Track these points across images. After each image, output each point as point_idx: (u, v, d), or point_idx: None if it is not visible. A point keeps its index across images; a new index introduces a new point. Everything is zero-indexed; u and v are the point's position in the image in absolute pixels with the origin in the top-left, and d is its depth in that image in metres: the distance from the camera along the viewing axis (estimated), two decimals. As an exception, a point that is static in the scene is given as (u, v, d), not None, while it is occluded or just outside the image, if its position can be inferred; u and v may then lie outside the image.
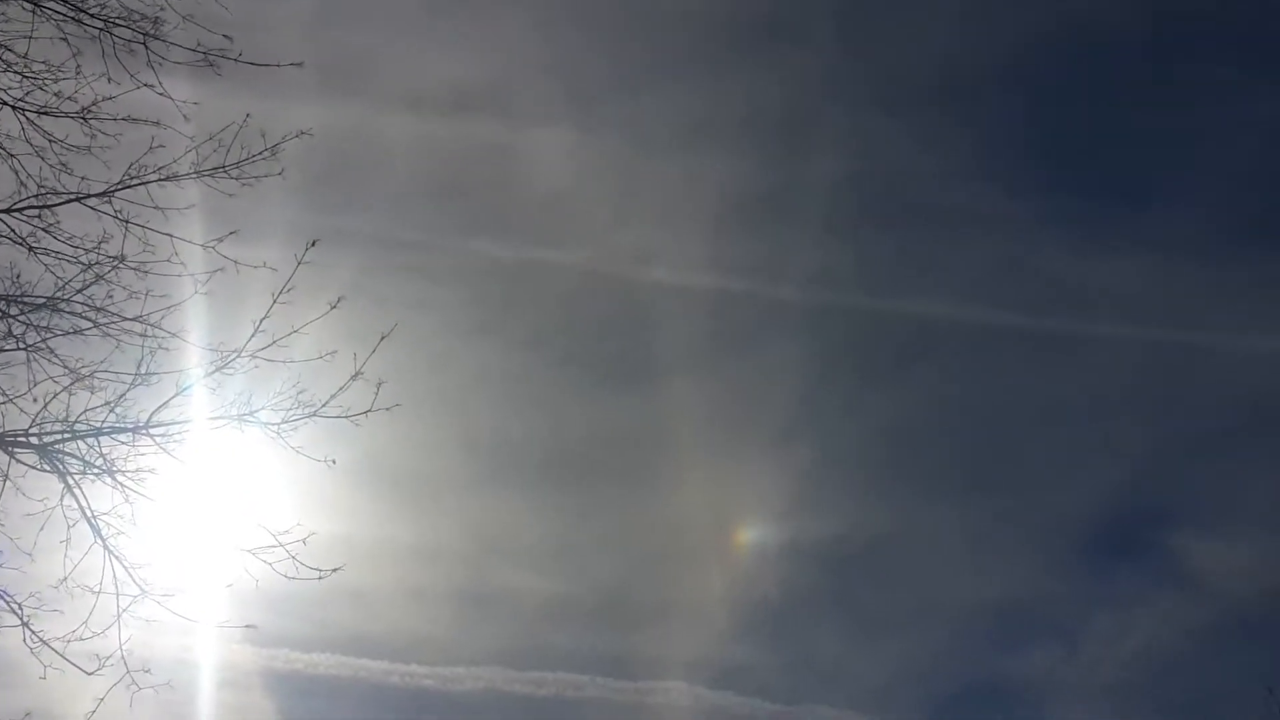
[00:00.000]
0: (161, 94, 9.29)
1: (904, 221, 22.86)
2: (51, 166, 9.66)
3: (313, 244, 9.21)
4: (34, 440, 9.41)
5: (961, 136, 22.38)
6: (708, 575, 22.74)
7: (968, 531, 23.60)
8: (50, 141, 9.57)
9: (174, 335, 9.80)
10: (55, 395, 9.48)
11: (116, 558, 9.82)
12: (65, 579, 9.76)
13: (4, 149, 9.66)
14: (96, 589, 9.84)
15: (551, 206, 20.11)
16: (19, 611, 9.51)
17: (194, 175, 9.71)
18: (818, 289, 22.57)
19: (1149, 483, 23.31)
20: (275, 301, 9.24)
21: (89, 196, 9.59)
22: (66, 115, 9.42)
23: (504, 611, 21.19)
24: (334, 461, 9.84)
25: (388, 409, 9.53)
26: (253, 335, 9.31)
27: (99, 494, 9.77)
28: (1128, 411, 23.60)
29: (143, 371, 9.60)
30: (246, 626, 10.37)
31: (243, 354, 9.39)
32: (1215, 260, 22.42)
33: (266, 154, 9.75)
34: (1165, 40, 21.89)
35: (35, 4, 9.18)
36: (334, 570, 9.92)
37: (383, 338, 9.46)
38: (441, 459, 19.16)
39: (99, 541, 9.77)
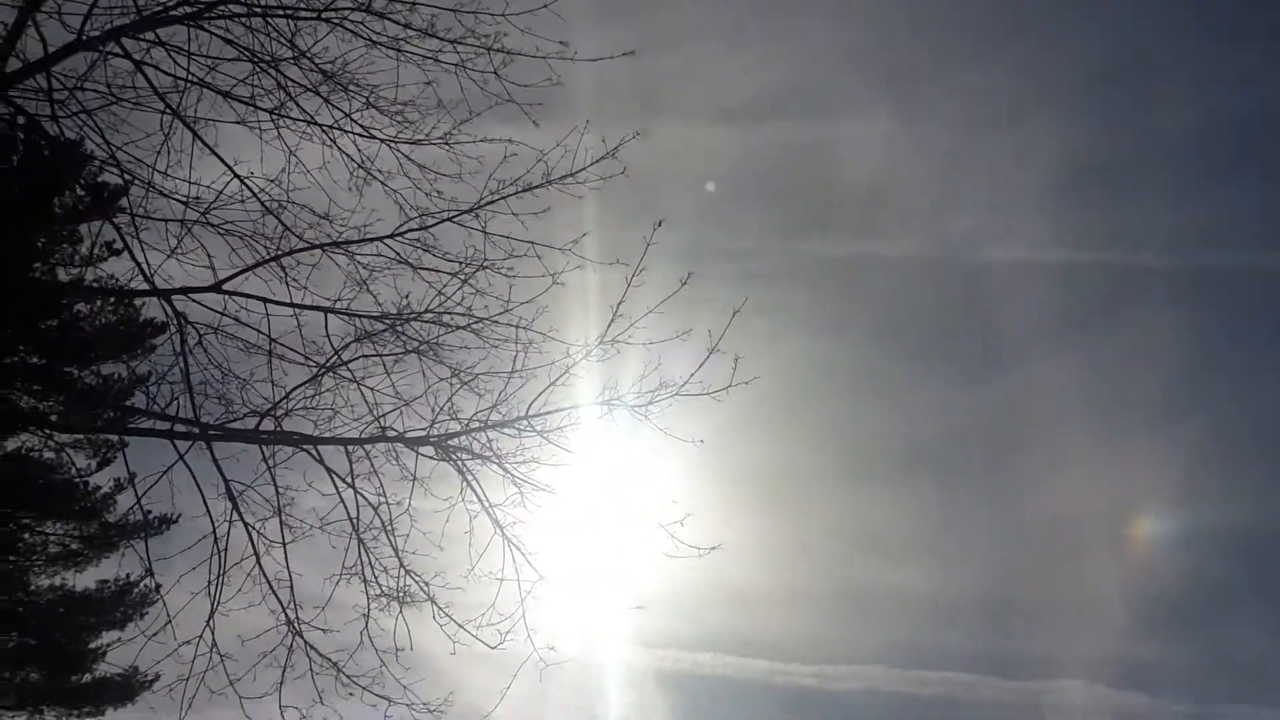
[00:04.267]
0: (509, 99, 10.02)
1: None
2: (426, 194, 10.63)
3: (659, 224, 9.63)
4: (433, 439, 10.33)
5: None
6: (1097, 567, 21.45)
7: None
8: (422, 170, 10.53)
9: (545, 335, 10.47)
10: (449, 398, 10.38)
11: (515, 546, 10.59)
12: (473, 568, 10.62)
13: (387, 185, 10.72)
14: (499, 576, 10.64)
15: (876, 198, 19.83)
16: (427, 590, 10.42)
17: (546, 185, 10.37)
18: (1185, 250, 20.68)
19: None
20: (629, 285, 9.70)
21: (459, 214, 10.45)
22: (431, 143, 10.34)
23: (881, 609, 20.90)
24: (702, 441, 10.19)
25: (746, 383, 9.78)
26: (612, 320, 9.82)
27: (493, 487, 10.61)
28: None
29: (519, 369, 10.34)
30: (637, 608, 10.89)
31: (604, 340, 9.91)
32: None
33: (609, 157, 10.28)
34: None
35: (397, 49, 10.15)
36: (713, 548, 10.26)
37: (735, 312, 9.73)
38: (805, 457, 19.31)
39: (498, 531, 10.58)
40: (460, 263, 10.46)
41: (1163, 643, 20.63)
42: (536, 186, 10.42)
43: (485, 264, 10.33)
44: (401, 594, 10.67)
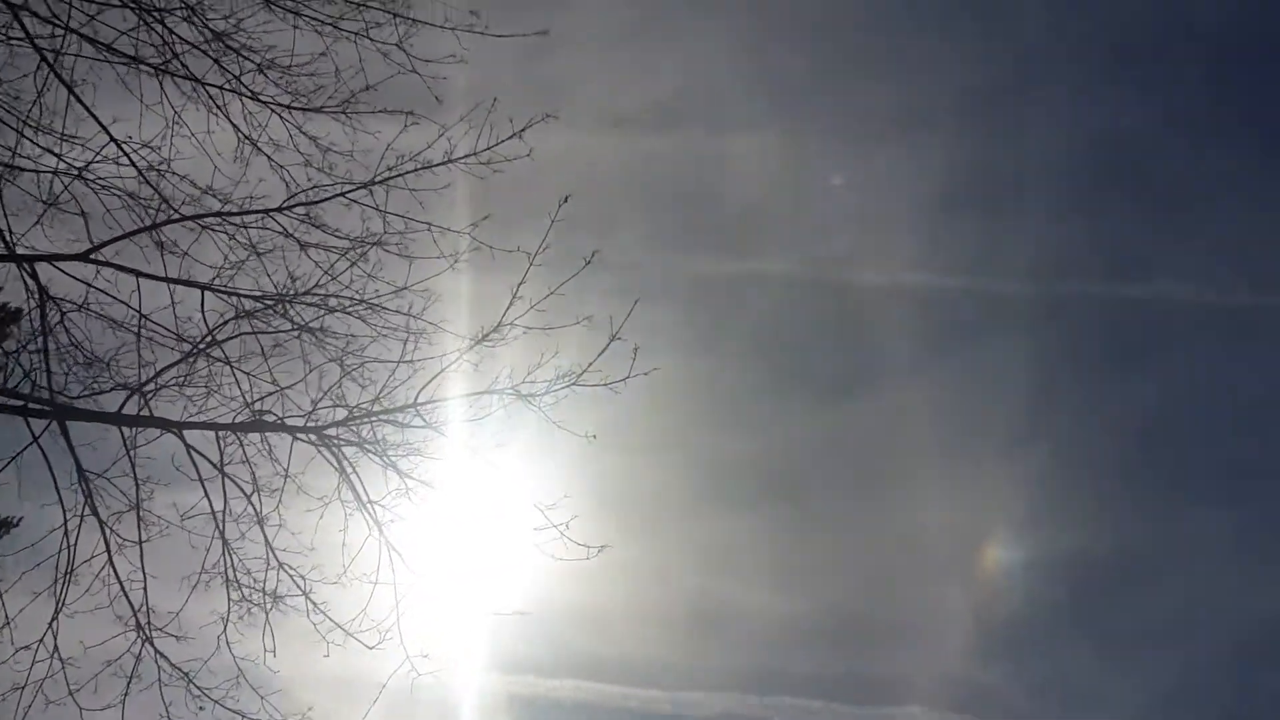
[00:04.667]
0: (412, 71, 9.59)
1: (1140, 195, 21.30)
2: (317, 168, 10.07)
3: (566, 200, 9.29)
4: (312, 427, 9.74)
5: (1201, 96, 20.64)
6: (944, 592, 21.91)
7: (1232, 536, 21.81)
8: (314, 142, 9.99)
9: (435, 326, 10.00)
10: (335, 385, 9.82)
11: (392, 547, 10.04)
12: (345, 570, 10.03)
13: (273, 160, 10.14)
14: (374, 580, 10.08)
15: (758, 215, 19.77)
16: (303, 585, 9.83)
17: (447, 163, 9.90)
18: (1043, 279, 21.23)
19: None
20: (531, 264, 9.32)
21: (353, 189, 9.92)
22: (326, 111, 9.83)
23: (738, 634, 20.83)
24: (594, 436, 9.84)
25: (646, 374, 9.50)
26: (511, 303, 9.42)
27: (373, 482, 10.06)
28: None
29: (407, 357, 9.84)
30: (518, 613, 10.41)
31: (501, 324, 9.49)
32: None
33: (514, 138, 9.82)
34: None
35: (295, 13, 9.65)
36: (602, 548, 9.90)
37: (636, 302, 9.45)
38: (665, 478, 19.04)
39: (374, 529, 10.01)
40: (351, 241, 9.94)
41: (1002, 668, 21.21)
42: (438, 164, 9.91)
43: (378, 241, 9.82)
44: (269, 595, 10.02)
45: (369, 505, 9.96)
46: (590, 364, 9.43)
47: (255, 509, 9.75)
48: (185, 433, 9.74)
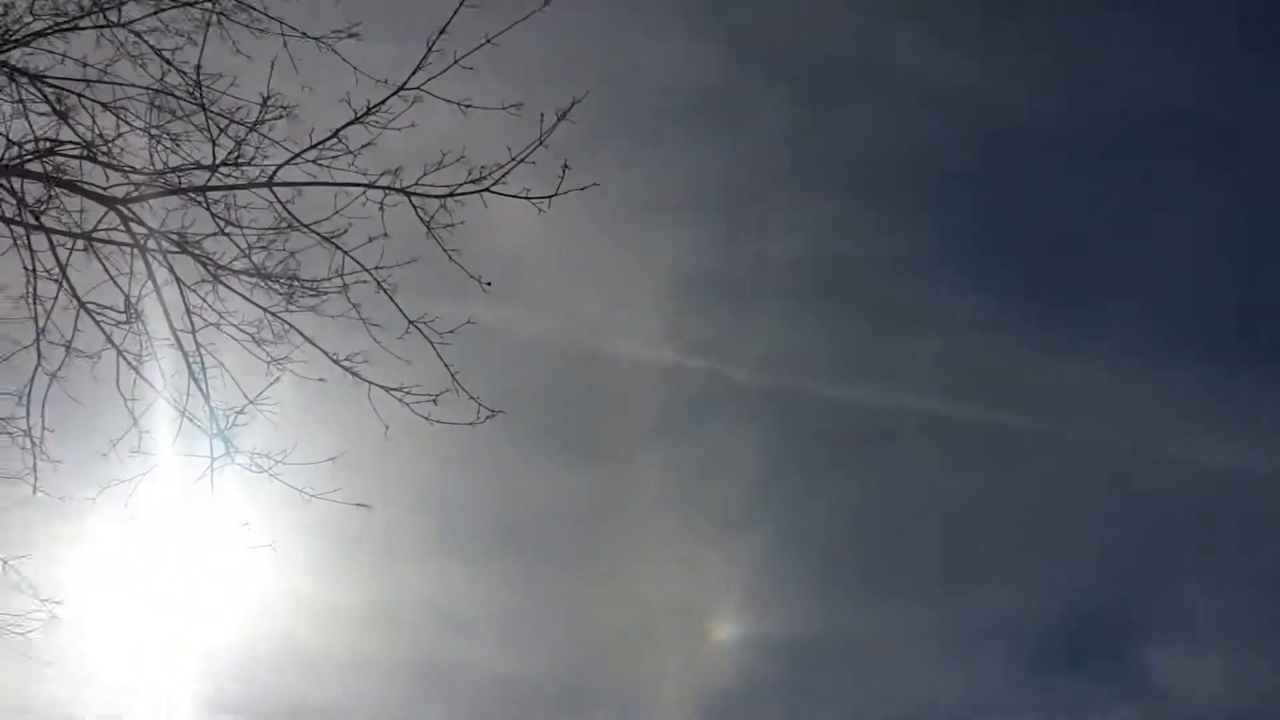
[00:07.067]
0: None
1: (861, 308, 22.80)
2: None
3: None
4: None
5: (922, 227, 22.32)
6: (665, 662, 21.62)
7: (924, 630, 22.88)
8: None
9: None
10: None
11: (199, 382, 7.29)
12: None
13: None
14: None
15: (510, 269, 18.75)
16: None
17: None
18: (771, 371, 22.04)
19: (1113, 591, 22.94)
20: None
21: None
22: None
23: (457, 687, 19.48)
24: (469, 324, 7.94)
25: (582, 189, 7.59)
26: (425, 56, 7.03)
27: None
28: (1090, 516, 23.31)
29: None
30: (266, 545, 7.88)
31: (405, 87, 7.13)
32: (1183, 368, 22.67)
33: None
34: (1131, 139, 22.49)
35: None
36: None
37: (574, 103, 7.50)
38: (392, 521, 17.30)
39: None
40: None
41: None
42: None
43: None
44: None
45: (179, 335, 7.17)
46: (520, 157, 7.22)
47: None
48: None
